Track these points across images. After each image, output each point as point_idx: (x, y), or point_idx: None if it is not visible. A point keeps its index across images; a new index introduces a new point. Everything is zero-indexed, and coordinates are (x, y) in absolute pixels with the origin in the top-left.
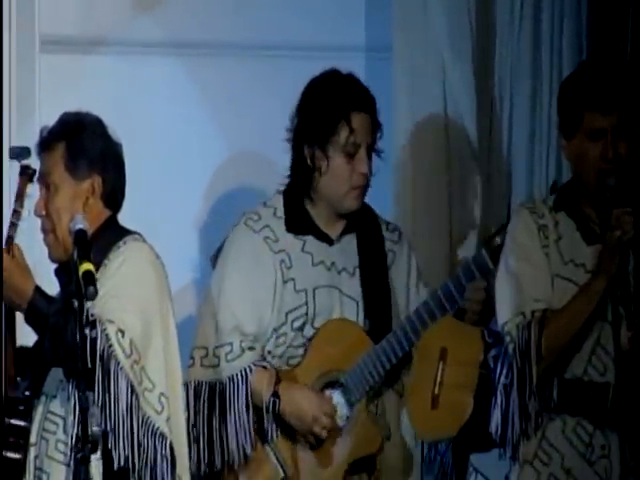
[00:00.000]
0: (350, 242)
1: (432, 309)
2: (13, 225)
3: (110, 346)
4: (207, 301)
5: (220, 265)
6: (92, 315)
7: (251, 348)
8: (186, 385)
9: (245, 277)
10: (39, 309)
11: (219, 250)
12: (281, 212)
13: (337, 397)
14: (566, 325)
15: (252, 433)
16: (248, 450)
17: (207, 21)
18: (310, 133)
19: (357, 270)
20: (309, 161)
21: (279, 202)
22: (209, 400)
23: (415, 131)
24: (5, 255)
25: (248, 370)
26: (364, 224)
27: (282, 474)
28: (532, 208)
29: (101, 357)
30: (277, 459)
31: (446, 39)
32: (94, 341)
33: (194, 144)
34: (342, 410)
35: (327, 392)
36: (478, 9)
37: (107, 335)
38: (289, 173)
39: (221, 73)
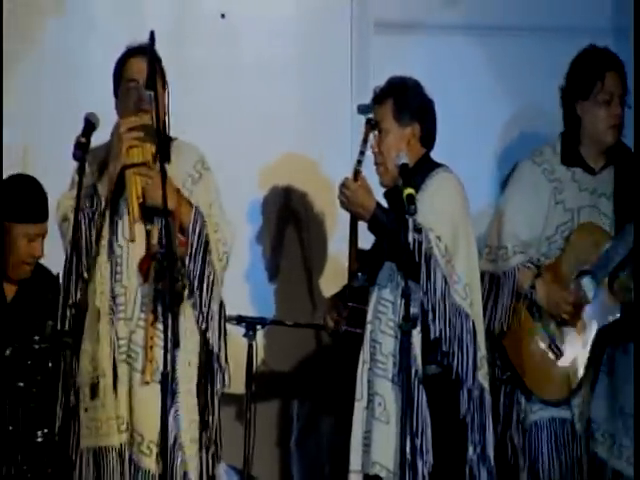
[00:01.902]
0: (609, 173)
1: None
2: (359, 162)
3: (431, 248)
4: (497, 213)
5: (508, 187)
6: (419, 224)
7: (521, 252)
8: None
9: (525, 199)
10: (380, 219)
11: (508, 177)
12: (559, 149)
13: (586, 281)
14: None
15: (511, 312)
16: (504, 326)
17: (495, 6)
18: (577, 90)
19: (612, 195)
20: (578, 111)
21: (558, 142)
22: (489, 285)
23: None
24: (353, 182)
25: (516, 269)
26: (620, 159)
27: (548, 339)
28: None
29: (425, 255)
30: (544, 329)
31: None
32: (420, 243)
33: (484, 105)
34: (590, 290)
35: (578, 280)
36: None
37: (429, 239)
38: (563, 122)
39: (503, 51)
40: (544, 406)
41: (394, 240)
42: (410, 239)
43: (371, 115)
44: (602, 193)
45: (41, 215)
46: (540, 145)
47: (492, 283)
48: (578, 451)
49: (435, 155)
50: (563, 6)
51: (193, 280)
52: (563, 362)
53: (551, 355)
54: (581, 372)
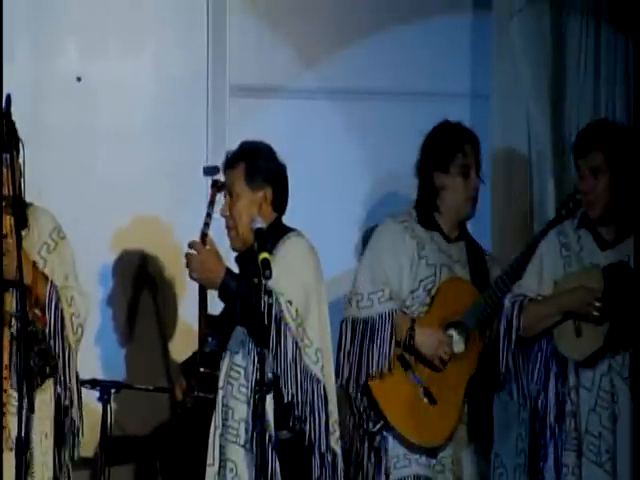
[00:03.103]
0: (462, 245)
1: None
2: (206, 225)
3: (281, 311)
4: (363, 263)
5: (373, 240)
6: (269, 287)
7: (395, 299)
8: (344, 321)
9: (392, 249)
10: (229, 286)
11: (366, 236)
12: (415, 216)
13: (455, 332)
14: (530, 318)
15: (392, 356)
16: (385, 366)
17: (349, 71)
18: (435, 161)
19: (467, 264)
20: (435, 182)
21: (414, 212)
22: (362, 332)
23: (506, 159)
24: (201, 246)
25: (394, 311)
26: (471, 240)
27: (421, 388)
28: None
29: (275, 318)
30: (414, 376)
31: (531, 90)
32: (271, 306)
33: (347, 170)
34: (459, 342)
35: (448, 331)
36: (554, 65)
37: (279, 303)
38: (418, 192)
39: (360, 114)
40: (409, 463)
41: (245, 305)
42: (261, 303)
43: (218, 177)
44: (457, 260)
45: None
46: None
47: (365, 329)
48: None
49: (292, 219)
50: (423, 71)
51: (56, 356)
52: (437, 409)
53: (426, 401)
54: (453, 419)
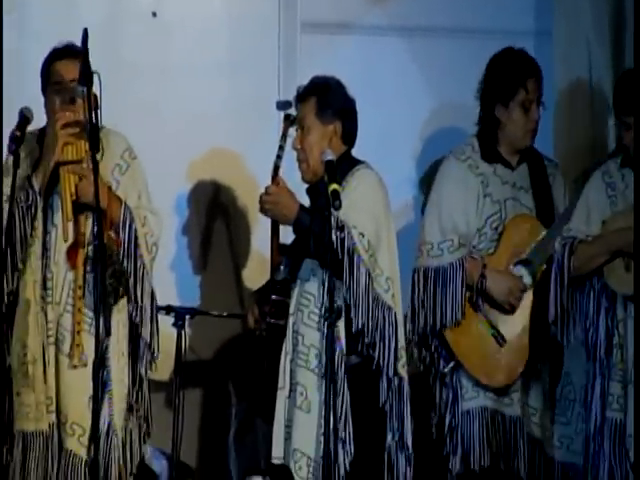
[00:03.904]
0: (524, 169)
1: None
2: (279, 157)
3: (354, 244)
4: (429, 211)
5: (437, 184)
6: (341, 222)
7: (464, 245)
8: (416, 270)
9: (458, 193)
10: (303, 222)
11: (428, 175)
12: (477, 147)
13: (523, 270)
14: (581, 259)
15: (464, 305)
16: (459, 316)
17: (415, 9)
18: (497, 94)
19: (530, 187)
20: (497, 113)
21: (476, 141)
22: (434, 281)
23: (568, 91)
24: (274, 187)
25: (464, 259)
26: (532, 157)
27: (492, 329)
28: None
29: (348, 251)
30: (487, 319)
31: (591, 25)
32: (343, 240)
33: (406, 100)
34: (527, 279)
35: (515, 268)
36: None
37: (352, 236)
38: (480, 123)
39: (425, 50)
40: (477, 395)
41: (318, 240)
42: (333, 238)
43: (290, 111)
44: (521, 186)
45: None
46: (458, 142)
47: (437, 278)
48: (510, 437)
49: (359, 151)
50: (486, 8)
51: (128, 276)
52: (506, 349)
53: (495, 343)
54: (523, 358)
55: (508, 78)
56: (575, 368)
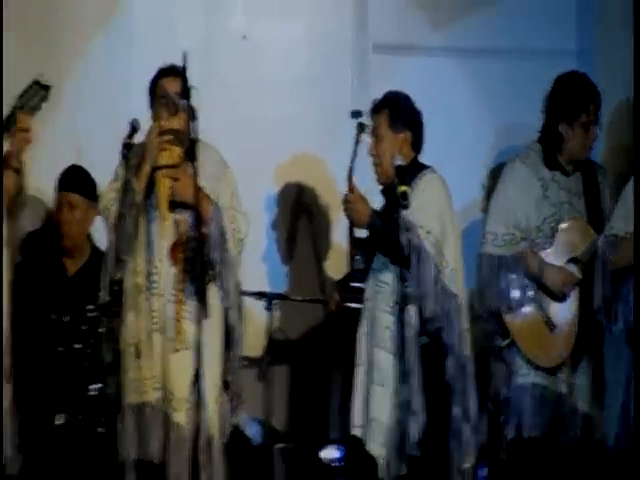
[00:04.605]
0: (578, 177)
1: None
2: (352, 160)
3: (420, 242)
4: (494, 205)
5: (502, 182)
6: (408, 223)
7: (524, 239)
8: (481, 255)
9: (521, 192)
10: (375, 225)
11: (494, 171)
12: (540, 154)
13: (574, 267)
14: (622, 255)
15: (521, 290)
16: (517, 301)
17: (480, 30)
18: (562, 115)
19: (582, 194)
20: (560, 129)
21: (538, 147)
22: (498, 268)
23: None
24: (352, 195)
25: (525, 252)
26: (586, 166)
27: (544, 314)
28: None
29: (415, 249)
30: (541, 308)
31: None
32: (410, 240)
33: (465, 114)
34: (578, 274)
35: (568, 265)
36: None
37: (419, 235)
38: (543, 134)
39: (484, 70)
40: (529, 373)
41: (388, 240)
42: (401, 238)
43: (362, 119)
44: (575, 193)
45: (82, 189)
46: (520, 150)
47: (500, 266)
48: (559, 413)
49: (427, 157)
50: (546, 29)
51: (215, 266)
52: (556, 334)
53: (546, 327)
54: (571, 342)
55: (573, 102)
56: (619, 352)
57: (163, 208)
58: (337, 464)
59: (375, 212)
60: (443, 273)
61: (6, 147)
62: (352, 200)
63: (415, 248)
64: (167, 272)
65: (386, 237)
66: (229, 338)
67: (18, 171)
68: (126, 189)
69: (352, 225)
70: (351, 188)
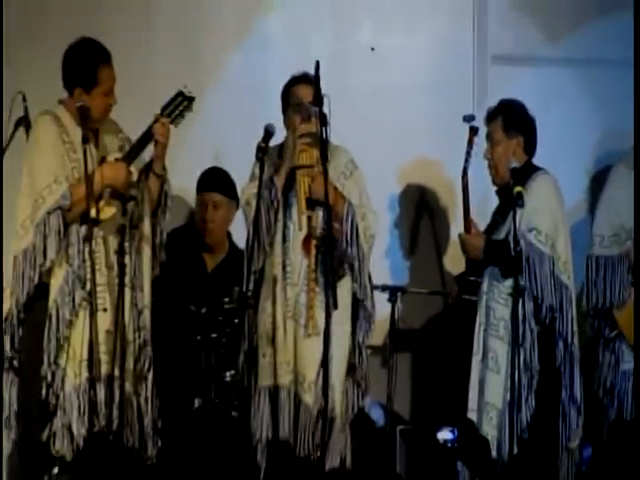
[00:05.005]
0: None
1: None
2: (466, 161)
3: (532, 249)
4: (602, 207)
5: (609, 187)
6: (518, 231)
7: (629, 238)
8: (589, 257)
9: (625, 195)
10: (489, 251)
11: (600, 176)
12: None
13: None
14: None
15: (630, 288)
16: (625, 297)
17: (591, 42)
18: None
19: None
20: None
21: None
22: (605, 267)
23: None
24: (465, 234)
25: (630, 252)
26: None
27: None
28: None
29: (527, 259)
30: None
31: None
32: (520, 252)
33: (578, 124)
34: None
35: None
36: None
37: (531, 241)
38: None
39: (594, 80)
40: (631, 360)
41: (501, 260)
42: (512, 252)
43: (474, 123)
44: None
45: (225, 189)
46: (625, 154)
47: (607, 265)
48: None
49: (540, 160)
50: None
51: (352, 260)
52: None
53: None
54: None
55: None
56: None
57: (302, 204)
58: (452, 445)
59: (488, 241)
60: (556, 266)
61: (150, 154)
62: (468, 238)
63: (527, 259)
64: (300, 263)
65: (498, 259)
66: (356, 325)
67: (161, 176)
68: (267, 186)
69: (467, 216)
70: (468, 227)
